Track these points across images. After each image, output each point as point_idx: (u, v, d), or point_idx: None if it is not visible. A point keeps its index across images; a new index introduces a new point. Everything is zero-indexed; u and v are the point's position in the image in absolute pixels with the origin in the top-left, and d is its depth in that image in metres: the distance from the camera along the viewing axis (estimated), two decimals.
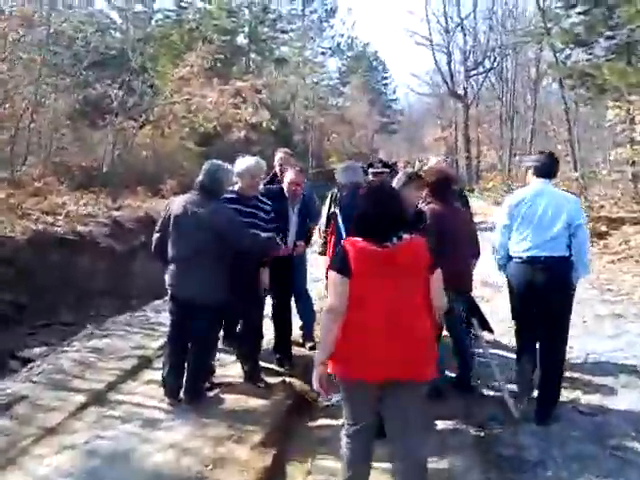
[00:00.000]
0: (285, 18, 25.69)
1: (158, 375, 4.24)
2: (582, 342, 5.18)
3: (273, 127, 14.84)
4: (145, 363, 4.82)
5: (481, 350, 4.44)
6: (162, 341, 4.72)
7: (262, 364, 4.65)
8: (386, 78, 53.54)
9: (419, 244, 2.74)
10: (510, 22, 25.90)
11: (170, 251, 3.93)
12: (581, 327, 5.62)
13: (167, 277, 3.99)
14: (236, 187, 4.36)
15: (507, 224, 3.99)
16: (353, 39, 43.94)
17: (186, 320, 3.95)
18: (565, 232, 3.79)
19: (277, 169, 5.47)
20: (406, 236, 2.71)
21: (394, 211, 2.77)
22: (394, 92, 53.81)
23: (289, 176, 4.86)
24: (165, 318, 4.91)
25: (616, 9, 13.66)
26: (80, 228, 8.48)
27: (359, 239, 2.71)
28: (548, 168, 4.01)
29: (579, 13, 15.77)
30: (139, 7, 25.28)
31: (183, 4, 21.91)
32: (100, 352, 5.22)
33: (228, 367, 4.76)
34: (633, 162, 12.22)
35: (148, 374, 4.61)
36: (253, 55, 22.87)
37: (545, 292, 3.79)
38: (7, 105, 8.76)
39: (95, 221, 9.34)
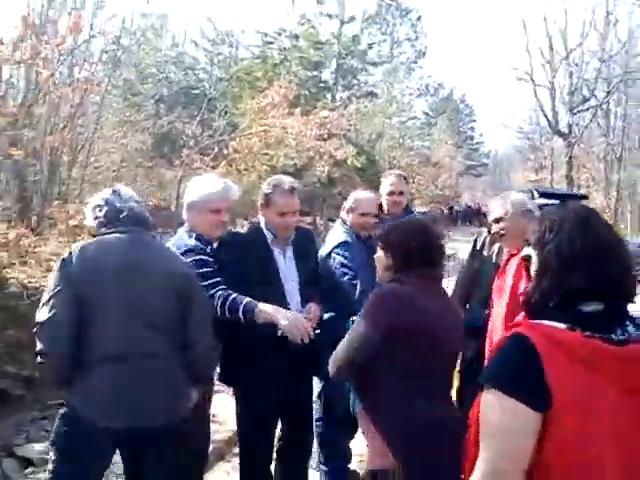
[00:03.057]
0: (374, 50, 24.47)
1: None
2: None
3: (359, 164, 13.39)
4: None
5: None
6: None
7: None
8: (473, 121, 52.08)
9: None
10: (621, 54, 23.39)
11: (99, 345, 2.12)
12: None
13: (90, 397, 2.10)
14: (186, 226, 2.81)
15: None
16: (440, 83, 43.41)
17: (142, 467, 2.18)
18: None
19: (384, 200, 3.68)
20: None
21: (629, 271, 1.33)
22: (481, 135, 52.52)
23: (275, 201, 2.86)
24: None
25: None
26: None
27: (553, 324, 1.26)
28: None
29: None
30: (225, 50, 25.32)
31: (268, 39, 21.20)
32: None
33: None
34: None
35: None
36: (339, 90, 21.68)
37: None
38: (67, 133, 7.65)
39: None
